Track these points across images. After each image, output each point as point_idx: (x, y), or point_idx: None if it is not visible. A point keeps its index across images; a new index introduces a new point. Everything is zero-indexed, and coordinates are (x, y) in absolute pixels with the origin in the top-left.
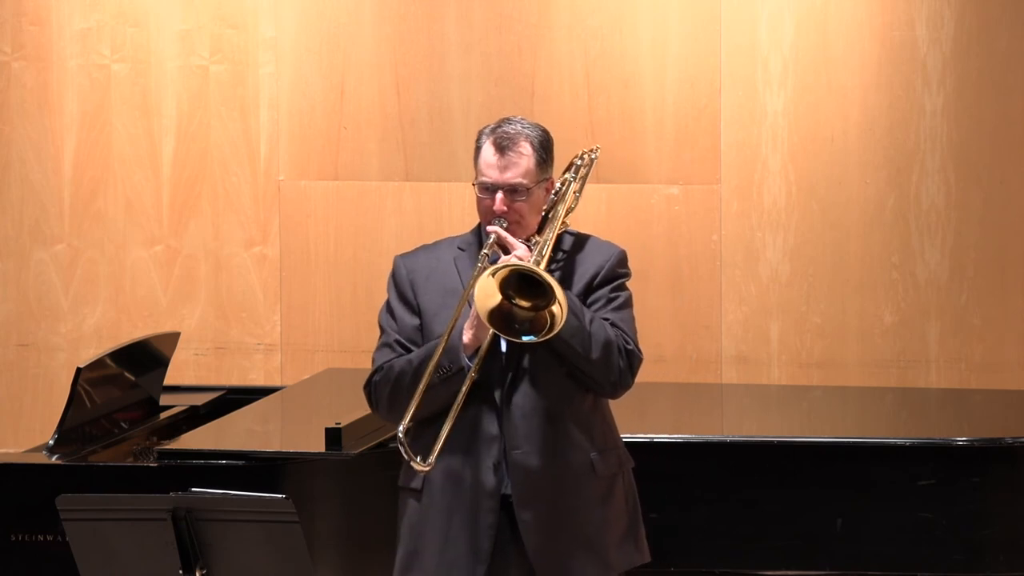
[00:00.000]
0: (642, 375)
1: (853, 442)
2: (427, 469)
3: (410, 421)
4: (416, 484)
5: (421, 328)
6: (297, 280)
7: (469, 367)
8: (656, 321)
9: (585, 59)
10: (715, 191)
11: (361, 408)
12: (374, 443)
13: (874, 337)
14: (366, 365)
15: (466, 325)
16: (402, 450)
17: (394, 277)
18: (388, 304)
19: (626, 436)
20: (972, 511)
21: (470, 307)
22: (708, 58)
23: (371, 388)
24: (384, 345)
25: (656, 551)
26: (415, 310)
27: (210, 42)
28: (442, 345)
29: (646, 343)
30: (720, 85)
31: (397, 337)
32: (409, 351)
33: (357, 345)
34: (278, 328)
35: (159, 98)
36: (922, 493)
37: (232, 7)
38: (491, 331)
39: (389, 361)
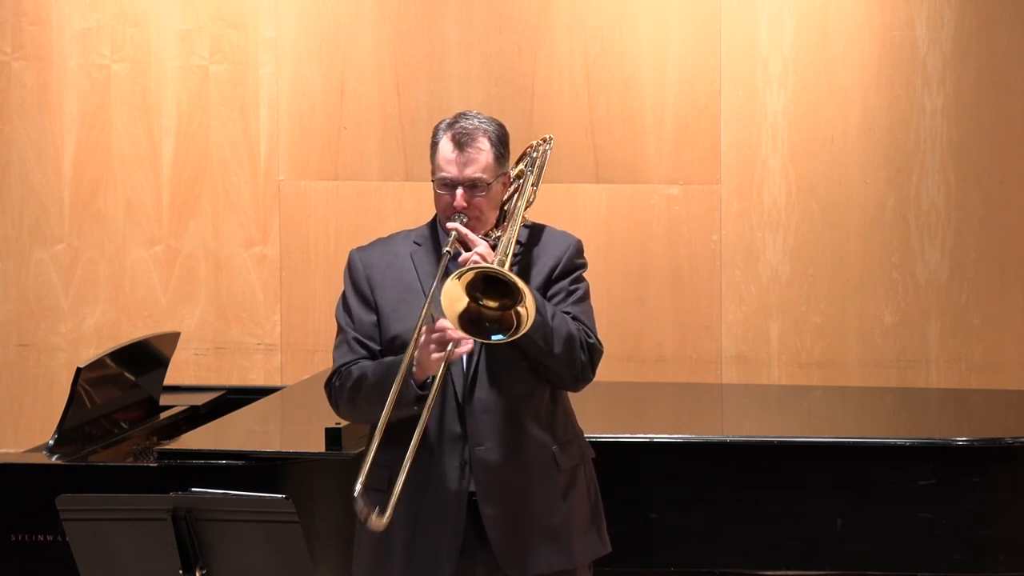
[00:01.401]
0: (642, 375)
1: (853, 442)
2: (385, 523)
3: (365, 480)
4: (380, 485)
5: (379, 325)
6: (297, 280)
7: (418, 395)
8: (656, 321)
9: (585, 59)
10: (715, 191)
11: None
12: None
13: (874, 337)
14: None
15: (417, 358)
16: (357, 507)
17: (350, 271)
18: (344, 299)
19: (626, 436)
20: (972, 511)
21: (432, 319)
22: (708, 58)
23: (330, 390)
24: (343, 343)
25: (656, 551)
26: (372, 307)
27: (210, 42)
28: (402, 370)
29: (646, 343)
30: (720, 85)
31: (355, 335)
32: (367, 348)
33: None
34: (278, 328)
35: (159, 98)
36: (922, 493)
37: (232, 7)
38: (440, 367)
39: (347, 365)
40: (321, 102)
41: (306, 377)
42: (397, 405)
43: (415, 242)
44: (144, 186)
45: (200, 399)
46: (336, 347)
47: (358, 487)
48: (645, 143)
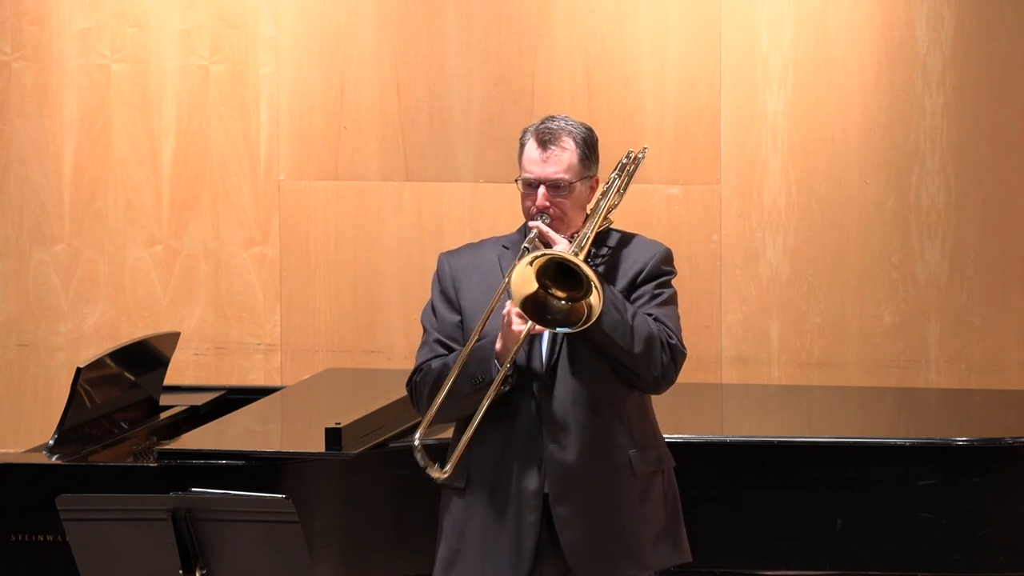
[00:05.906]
0: None
1: (853, 442)
2: (444, 476)
3: (429, 429)
4: (459, 483)
5: (462, 325)
6: (297, 280)
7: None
8: None
9: (585, 59)
10: (715, 191)
11: (361, 408)
12: (374, 443)
13: (874, 337)
14: (366, 365)
15: (500, 334)
16: (418, 458)
17: (438, 275)
18: (431, 302)
19: None
20: (972, 511)
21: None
22: (708, 58)
23: (412, 388)
24: (425, 344)
25: None
26: (456, 308)
27: (210, 42)
28: (468, 347)
29: None
30: (720, 85)
31: (438, 336)
32: (449, 349)
33: (357, 345)
34: (278, 328)
35: (159, 98)
36: (922, 493)
37: (232, 7)
38: (522, 337)
39: (428, 361)
40: (321, 102)
41: (306, 377)
42: (480, 390)
43: (503, 246)
44: (144, 186)
45: (200, 399)
46: (419, 348)
47: (417, 439)
48: (645, 143)
